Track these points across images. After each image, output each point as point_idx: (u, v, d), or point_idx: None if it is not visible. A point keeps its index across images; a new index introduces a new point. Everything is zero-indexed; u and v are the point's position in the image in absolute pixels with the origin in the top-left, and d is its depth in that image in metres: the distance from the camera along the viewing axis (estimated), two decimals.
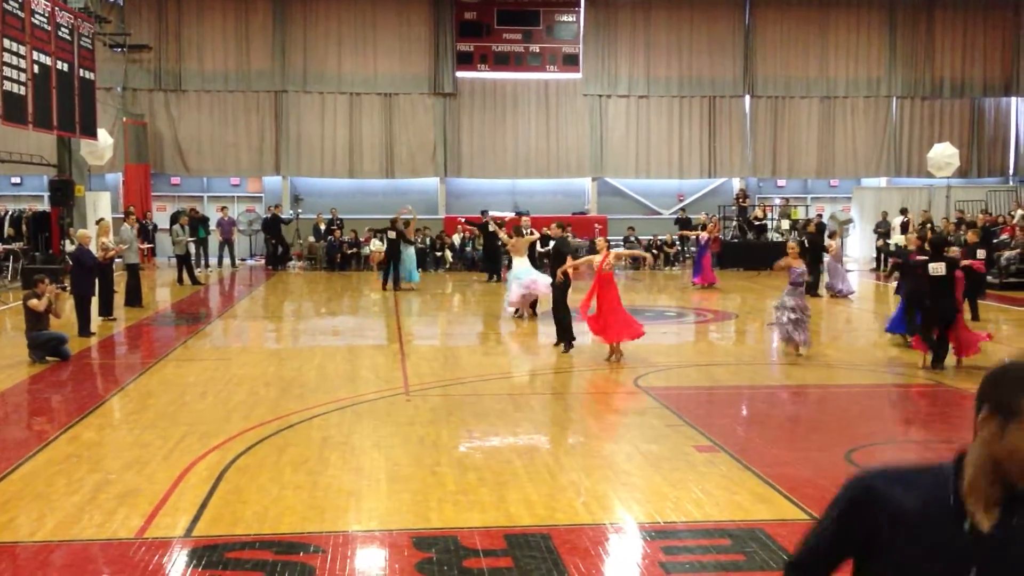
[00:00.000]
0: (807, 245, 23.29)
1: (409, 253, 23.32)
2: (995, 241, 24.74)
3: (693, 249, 27.43)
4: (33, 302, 13.44)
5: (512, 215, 31.66)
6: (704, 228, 25.51)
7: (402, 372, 13.10)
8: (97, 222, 19.94)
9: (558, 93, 33.43)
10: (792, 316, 13.80)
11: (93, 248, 16.89)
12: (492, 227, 24.11)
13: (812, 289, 22.59)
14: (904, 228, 28.42)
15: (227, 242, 30.13)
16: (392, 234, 23.04)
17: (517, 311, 17.83)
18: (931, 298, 12.95)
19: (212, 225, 30.10)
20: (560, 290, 14.34)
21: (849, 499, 2.46)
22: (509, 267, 18.88)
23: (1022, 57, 34.44)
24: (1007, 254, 24.60)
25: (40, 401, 11.63)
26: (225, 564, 6.32)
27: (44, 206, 28.39)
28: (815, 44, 33.91)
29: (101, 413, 10.68)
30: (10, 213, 26.61)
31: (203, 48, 32.10)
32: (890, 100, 34.44)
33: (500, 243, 21.96)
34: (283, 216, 30.65)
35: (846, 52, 34.00)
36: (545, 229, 27.73)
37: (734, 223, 31.96)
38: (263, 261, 31.60)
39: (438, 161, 32.94)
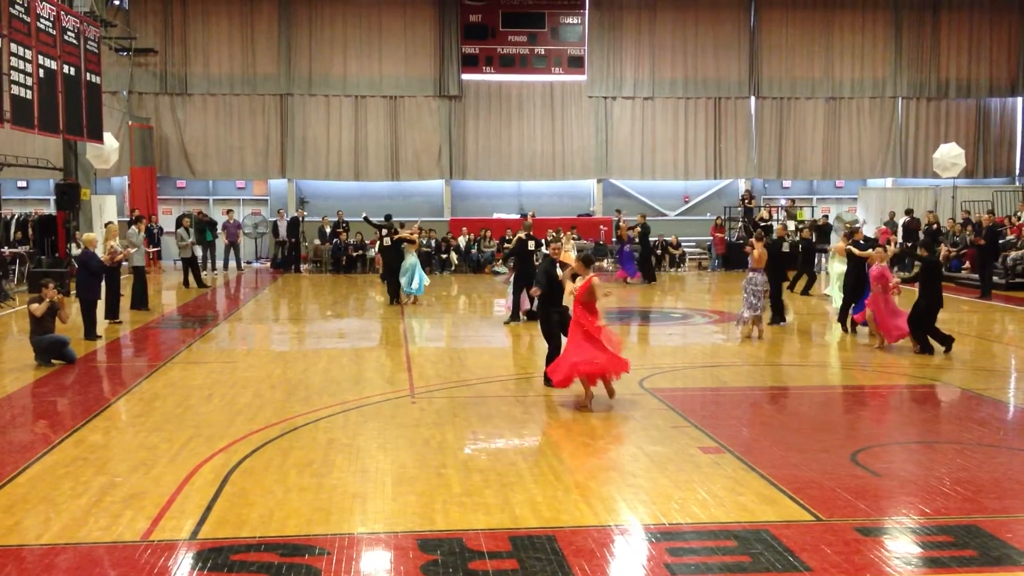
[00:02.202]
0: (800, 248, 23.38)
1: (411, 263, 20.97)
2: (1001, 242, 24.66)
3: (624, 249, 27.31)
4: (33, 306, 13.49)
5: (517, 216, 31.85)
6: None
7: (407, 374, 13.11)
8: (106, 225, 20.01)
9: (563, 95, 33.44)
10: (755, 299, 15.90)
11: (100, 251, 16.91)
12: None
13: (807, 290, 22.85)
14: (907, 228, 28.42)
15: (233, 245, 30.21)
16: (387, 240, 20.99)
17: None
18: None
19: (218, 228, 30.16)
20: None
21: None
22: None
23: None
24: (1013, 254, 24.53)
25: (46, 404, 11.66)
26: (230, 567, 6.32)
27: (50, 210, 28.45)
28: (820, 45, 33.89)
29: (107, 416, 10.71)
30: (16, 217, 26.68)
31: (208, 51, 32.17)
32: (895, 101, 34.40)
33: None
34: (299, 218, 30.75)
35: (851, 53, 33.98)
36: (553, 233, 27.87)
37: (740, 224, 31.94)
38: (269, 264, 31.67)
39: (443, 163, 32.97)
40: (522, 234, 18.31)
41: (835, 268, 19.20)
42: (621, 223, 26.38)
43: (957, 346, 14.99)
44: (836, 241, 25.50)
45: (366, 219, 23.04)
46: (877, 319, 14.97)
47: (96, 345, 15.49)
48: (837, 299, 18.63)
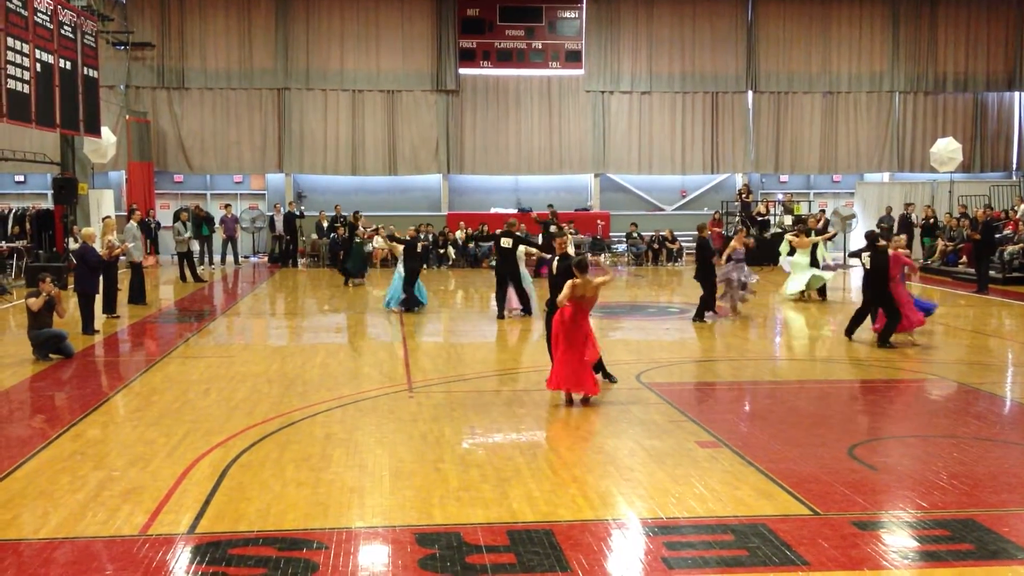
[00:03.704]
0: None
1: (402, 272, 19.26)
2: (998, 236, 24.68)
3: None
4: (31, 301, 13.48)
5: (514, 212, 31.85)
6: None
7: (405, 369, 13.12)
8: (103, 220, 19.99)
9: (561, 89, 33.42)
10: (739, 285, 17.98)
11: (97, 246, 16.90)
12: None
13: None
14: (902, 222, 28.44)
15: (230, 239, 30.18)
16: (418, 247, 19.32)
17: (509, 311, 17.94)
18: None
19: (215, 223, 30.14)
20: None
21: None
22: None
23: None
24: (1010, 248, 24.54)
25: (44, 399, 11.65)
26: (228, 560, 6.33)
27: (48, 204, 28.43)
28: (817, 39, 33.88)
29: (105, 410, 10.71)
30: (14, 211, 26.65)
31: (206, 45, 32.13)
32: (893, 95, 34.41)
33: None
34: (295, 212, 30.73)
35: (849, 47, 33.97)
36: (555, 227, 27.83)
37: (737, 219, 31.94)
38: (266, 258, 31.65)
39: (441, 158, 32.96)
40: (498, 231, 18.46)
41: (794, 259, 20.73)
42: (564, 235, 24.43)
43: (954, 340, 14.98)
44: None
45: (391, 237, 22.10)
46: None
47: (94, 340, 15.48)
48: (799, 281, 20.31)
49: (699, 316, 17.41)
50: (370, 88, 32.77)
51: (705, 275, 17.41)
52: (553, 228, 23.27)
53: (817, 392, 12.04)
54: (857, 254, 15.47)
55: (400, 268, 19.29)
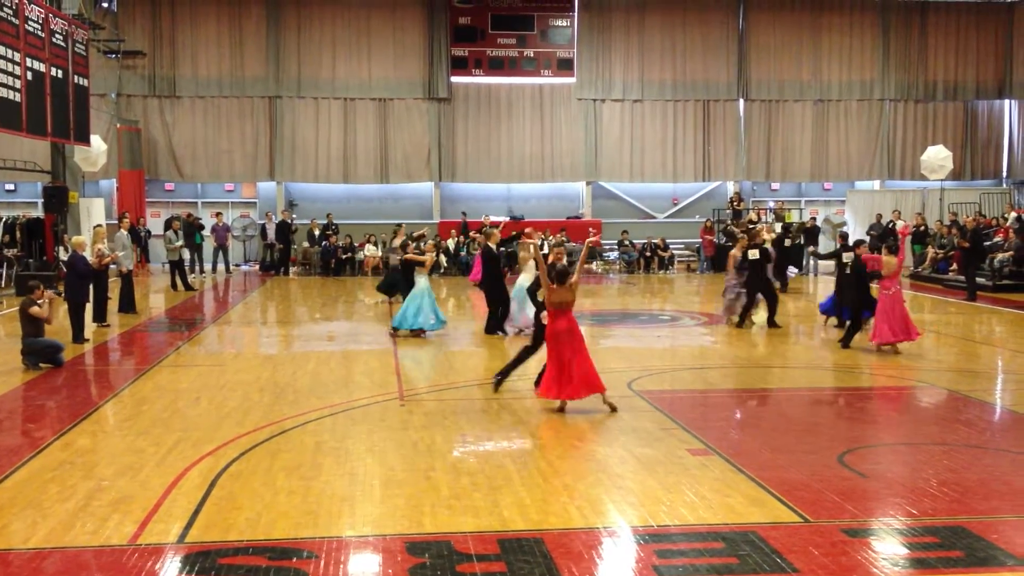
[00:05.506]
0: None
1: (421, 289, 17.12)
2: (987, 244, 24.76)
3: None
4: (35, 309, 13.40)
5: (506, 219, 31.84)
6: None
7: (396, 377, 13.10)
8: (94, 228, 19.96)
9: (552, 97, 33.46)
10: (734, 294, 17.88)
11: (88, 254, 16.87)
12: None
13: (783, 288, 23.46)
14: (883, 230, 28.50)
15: (221, 248, 30.14)
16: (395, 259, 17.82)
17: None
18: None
19: (206, 231, 30.09)
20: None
21: None
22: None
23: (1015, 60, 34.53)
24: (1000, 256, 24.63)
25: (34, 407, 11.61)
26: (218, 570, 6.31)
27: (38, 212, 28.36)
28: (808, 47, 33.98)
29: (94, 419, 10.67)
30: (4, 219, 26.57)
31: (197, 54, 32.10)
32: (883, 103, 34.51)
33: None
34: (289, 221, 30.69)
35: (839, 55, 34.09)
36: (543, 235, 27.84)
37: (728, 226, 31.98)
38: (257, 267, 31.58)
39: (432, 166, 32.96)
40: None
41: None
42: (559, 243, 21.78)
43: (944, 347, 15.00)
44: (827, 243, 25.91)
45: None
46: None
47: (83, 348, 15.43)
48: None
49: (772, 322, 17.60)
50: (362, 96, 32.78)
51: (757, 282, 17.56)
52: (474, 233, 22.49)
53: (807, 399, 12.06)
54: (836, 255, 15.87)
55: (426, 283, 17.10)
